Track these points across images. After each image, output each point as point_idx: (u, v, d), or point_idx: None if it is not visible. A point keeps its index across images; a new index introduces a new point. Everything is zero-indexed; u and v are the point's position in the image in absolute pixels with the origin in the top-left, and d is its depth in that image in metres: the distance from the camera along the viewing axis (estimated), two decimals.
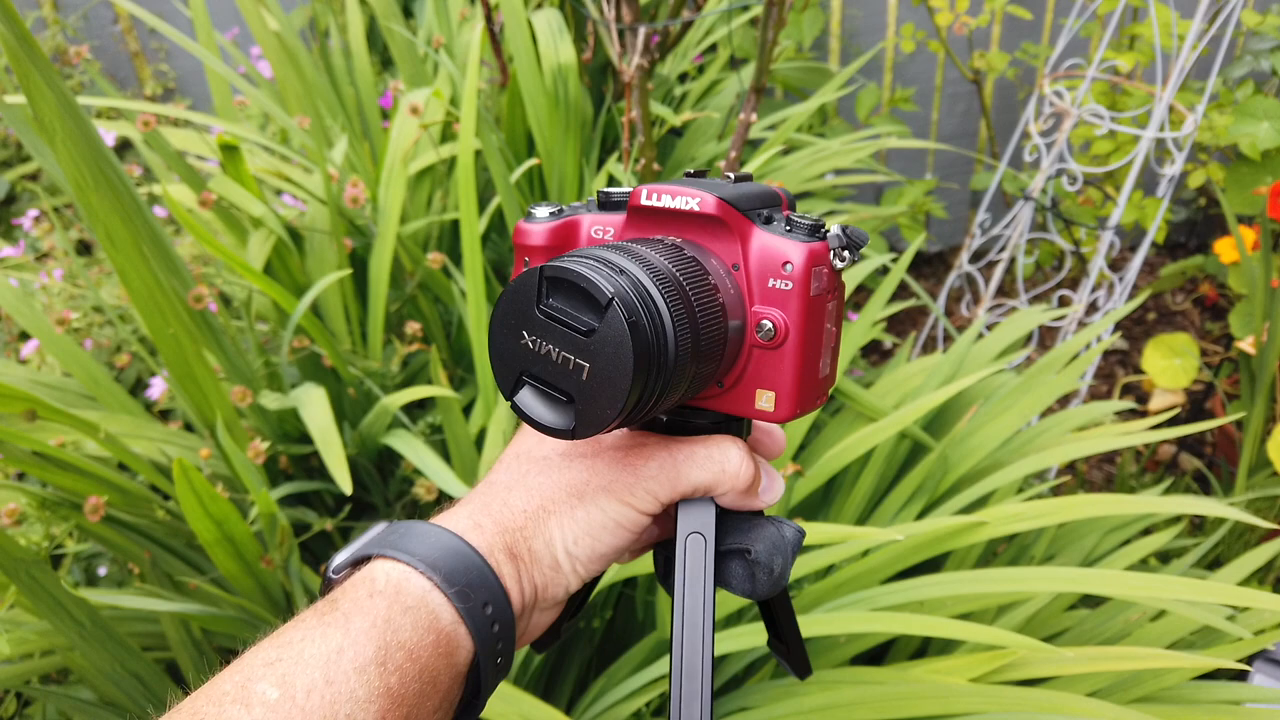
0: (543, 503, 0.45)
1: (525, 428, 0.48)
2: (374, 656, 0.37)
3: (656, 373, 0.39)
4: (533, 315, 0.39)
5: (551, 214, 0.47)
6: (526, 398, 0.40)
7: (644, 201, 0.45)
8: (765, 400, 0.44)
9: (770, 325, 0.43)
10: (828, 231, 0.44)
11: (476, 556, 0.42)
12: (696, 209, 0.44)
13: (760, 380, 0.44)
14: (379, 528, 0.44)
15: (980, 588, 0.94)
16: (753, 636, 0.98)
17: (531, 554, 0.44)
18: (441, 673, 0.39)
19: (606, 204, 0.48)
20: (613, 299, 0.38)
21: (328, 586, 0.42)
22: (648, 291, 0.39)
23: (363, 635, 0.37)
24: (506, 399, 0.41)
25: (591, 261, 0.39)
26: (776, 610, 0.54)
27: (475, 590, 0.41)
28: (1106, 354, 2.34)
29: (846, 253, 0.44)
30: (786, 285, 0.43)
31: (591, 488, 0.45)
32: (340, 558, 0.43)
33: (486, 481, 0.46)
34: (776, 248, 0.43)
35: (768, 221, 0.45)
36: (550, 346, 0.39)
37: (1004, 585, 0.93)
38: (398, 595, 0.39)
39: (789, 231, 0.44)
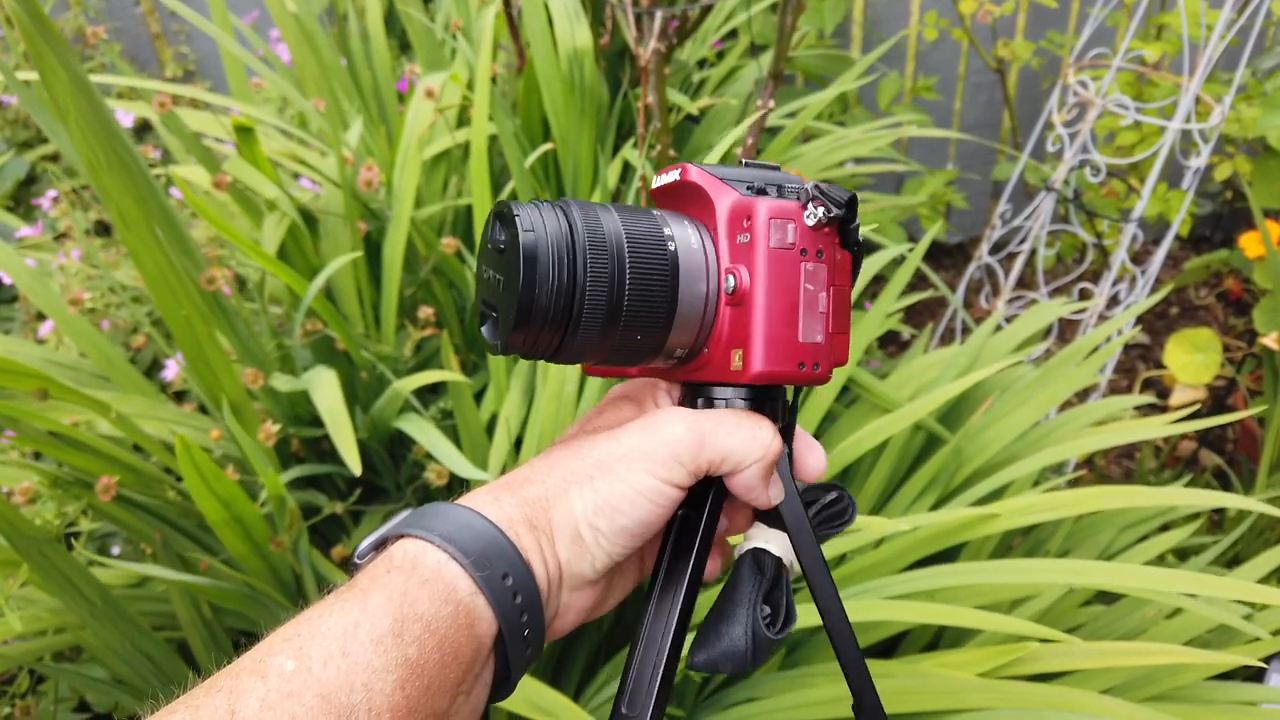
0: (566, 475, 0.44)
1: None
2: (390, 628, 0.37)
3: (559, 292, 0.42)
4: (487, 250, 0.45)
5: None
6: (482, 321, 0.45)
7: (652, 186, 0.49)
8: (737, 359, 0.45)
9: (733, 280, 0.44)
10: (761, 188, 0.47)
11: (493, 528, 0.41)
12: (678, 178, 0.47)
13: (734, 340, 0.45)
14: (403, 514, 0.44)
15: (988, 578, 0.93)
16: None
17: (551, 525, 0.43)
18: (463, 645, 0.39)
19: None
20: (516, 214, 0.42)
21: (353, 571, 0.42)
22: (571, 225, 0.43)
23: (379, 609, 0.38)
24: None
25: (534, 202, 0.44)
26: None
27: (493, 560, 0.40)
28: (1128, 348, 2.31)
29: (818, 208, 0.44)
30: (746, 238, 0.44)
31: (614, 457, 0.44)
32: (364, 543, 0.43)
33: (516, 469, 0.46)
34: (743, 206, 0.45)
35: (759, 191, 0.46)
36: (488, 271, 0.44)
37: (1012, 576, 0.92)
38: (414, 569, 0.39)
39: (766, 194, 0.46)
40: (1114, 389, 2.20)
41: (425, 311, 1.32)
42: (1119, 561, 1.22)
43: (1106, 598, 1.23)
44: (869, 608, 0.93)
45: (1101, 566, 0.94)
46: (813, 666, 1.01)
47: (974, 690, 0.87)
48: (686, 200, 0.47)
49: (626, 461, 0.44)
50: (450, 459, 1.10)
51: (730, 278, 0.44)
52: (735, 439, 0.44)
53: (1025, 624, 0.86)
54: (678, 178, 0.47)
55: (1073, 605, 1.16)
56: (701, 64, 1.95)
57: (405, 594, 0.38)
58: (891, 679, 0.92)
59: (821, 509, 0.51)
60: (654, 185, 0.48)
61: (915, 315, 2.43)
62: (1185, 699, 1.06)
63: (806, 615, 0.97)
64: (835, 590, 0.47)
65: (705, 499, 0.47)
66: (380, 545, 0.42)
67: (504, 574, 0.41)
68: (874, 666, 0.97)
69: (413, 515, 0.43)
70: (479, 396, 1.33)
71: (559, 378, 1.11)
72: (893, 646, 1.22)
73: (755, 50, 1.84)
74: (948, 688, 0.88)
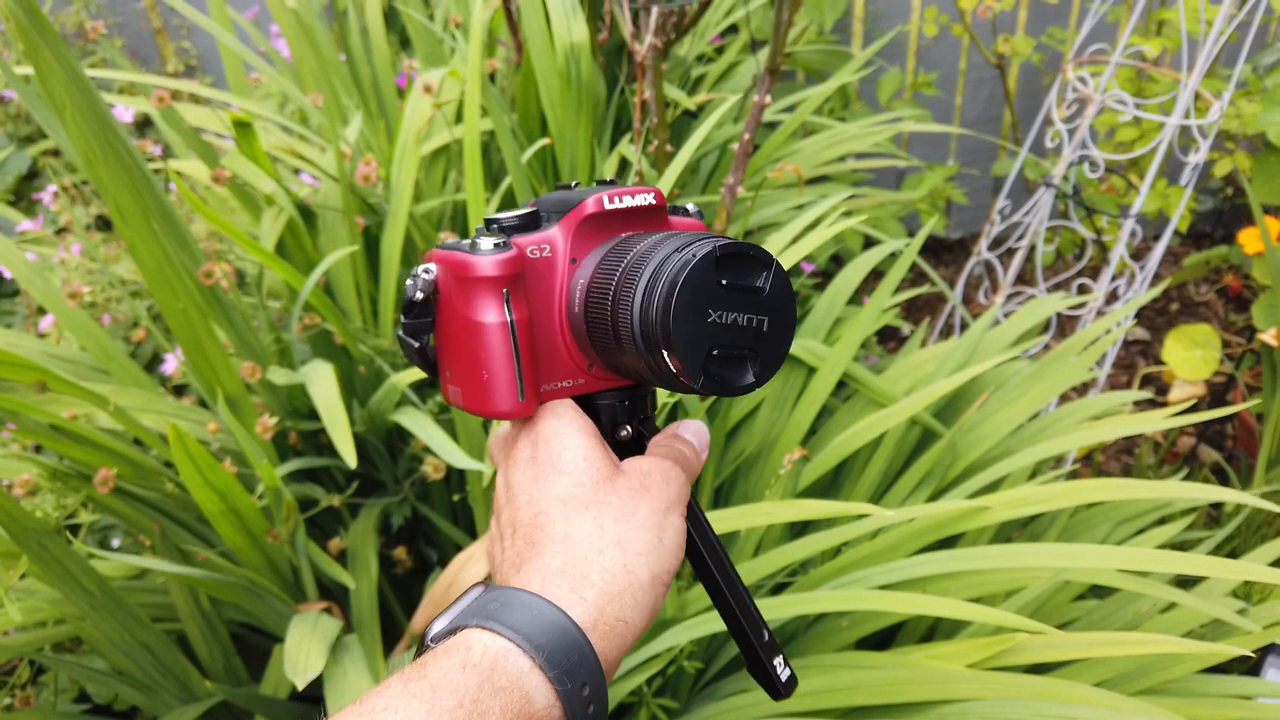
0: (635, 556, 0.45)
1: (543, 465, 0.47)
2: None
3: None
4: (716, 293, 0.43)
5: (498, 245, 0.48)
6: (716, 368, 0.44)
7: (609, 206, 0.49)
8: None
9: None
10: (688, 210, 0.54)
11: (580, 635, 0.41)
12: (654, 202, 0.50)
13: None
14: (474, 591, 0.43)
15: (975, 564, 0.93)
16: (768, 611, 0.97)
17: (626, 624, 0.43)
18: None
19: (514, 227, 0.49)
20: (774, 258, 0.45)
21: (422, 652, 0.41)
22: None
23: (446, 715, 0.36)
24: (696, 380, 0.44)
25: (728, 237, 0.46)
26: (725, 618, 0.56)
27: (576, 672, 0.40)
28: (1128, 345, 2.31)
29: None
30: None
31: (658, 514, 0.46)
32: (438, 625, 0.42)
33: (561, 538, 0.44)
34: (691, 225, 0.52)
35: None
36: (735, 315, 0.44)
37: (999, 562, 0.93)
38: (491, 673, 0.38)
39: (676, 213, 0.53)
40: (1114, 385, 2.20)
41: None
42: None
43: (1100, 593, 1.23)
44: (855, 597, 0.93)
45: (1089, 550, 0.94)
46: (804, 659, 1.01)
47: (962, 681, 0.88)
48: (647, 221, 0.50)
49: (672, 513, 0.47)
50: (448, 452, 1.11)
51: None
52: (696, 457, 0.52)
53: (1006, 615, 0.87)
54: (653, 201, 0.50)
55: (1065, 600, 1.16)
56: (701, 59, 1.95)
57: (477, 703, 0.37)
58: (880, 670, 0.92)
59: None
60: (625, 204, 0.49)
61: (916, 311, 2.43)
62: (1178, 692, 1.06)
63: (791, 608, 0.97)
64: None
65: None
66: (454, 630, 0.41)
67: (583, 684, 0.40)
68: (865, 659, 0.97)
69: (489, 602, 0.41)
70: None
71: None
72: (889, 639, 1.22)
73: (755, 45, 1.84)
74: (937, 679, 0.88)
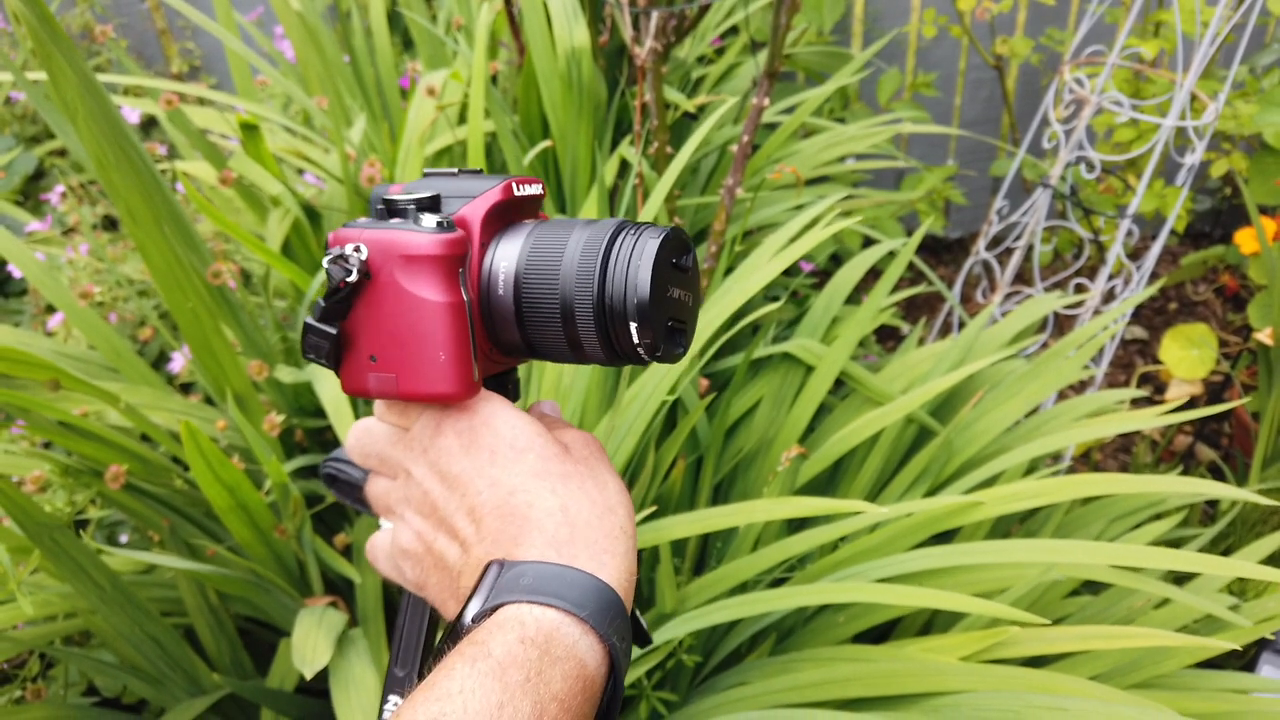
0: (624, 517, 0.48)
1: (495, 446, 0.48)
2: (531, 712, 0.39)
3: None
4: (670, 271, 0.47)
5: (442, 225, 0.47)
6: (669, 340, 0.48)
7: (517, 193, 0.51)
8: None
9: None
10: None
11: (615, 595, 0.44)
12: (542, 193, 0.52)
13: None
14: (492, 571, 0.44)
15: (967, 559, 0.95)
16: (764, 603, 0.99)
17: (635, 575, 0.47)
18: (588, 711, 0.42)
19: (425, 208, 0.49)
20: (691, 242, 0.48)
21: (463, 631, 0.42)
22: None
23: (519, 690, 0.39)
24: (658, 349, 0.47)
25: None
26: None
27: (619, 629, 0.43)
28: (1126, 344, 2.33)
29: None
30: None
31: (616, 476, 0.50)
32: (476, 605, 0.43)
33: (559, 510, 0.46)
34: (542, 216, 0.54)
35: None
36: (681, 290, 0.48)
37: (991, 557, 0.94)
38: (548, 644, 0.41)
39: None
40: (1112, 384, 2.21)
41: None
42: None
43: (1095, 588, 1.25)
44: (851, 590, 0.95)
45: (1081, 545, 0.96)
46: (801, 653, 1.03)
47: (956, 673, 0.89)
48: (529, 211, 0.52)
49: (615, 472, 0.51)
50: None
51: None
52: None
53: (1000, 607, 0.88)
54: (541, 192, 0.52)
55: (1059, 595, 1.18)
56: (701, 60, 1.97)
57: (541, 674, 0.40)
58: (875, 663, 0.94)
59: None
60: (526, 192, 0.51)
61: (915, 310, 2.45)
62: (1171, 686, 1.08)
63: (789, 600, 0.99)
64: None
65: None
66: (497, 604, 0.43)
67: (622, 637, 0.43)
68: (861, 652, 0.99)
69: (526, 578, 0.43)
70: None
71: (555, 370, 1.13)
72: (885, 634, 1.24)
73: (755, 47, 1.86)
74: (930, 671, 0.90)
